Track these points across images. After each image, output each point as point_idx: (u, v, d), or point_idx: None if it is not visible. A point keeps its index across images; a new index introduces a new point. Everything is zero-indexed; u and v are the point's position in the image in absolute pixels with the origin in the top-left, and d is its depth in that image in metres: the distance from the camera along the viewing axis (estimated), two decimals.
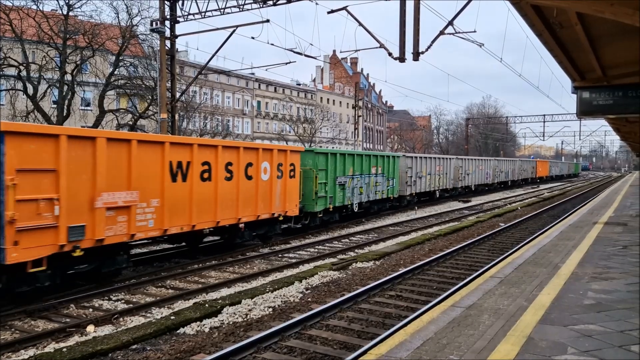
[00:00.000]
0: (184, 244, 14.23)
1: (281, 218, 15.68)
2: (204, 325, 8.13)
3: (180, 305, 9.43)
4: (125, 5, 38.05)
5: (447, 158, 34.23)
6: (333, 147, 55.81)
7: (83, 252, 9.44)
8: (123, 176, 10.25)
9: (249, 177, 14.00)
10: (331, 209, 19.27)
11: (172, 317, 8.25)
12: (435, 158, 31.92)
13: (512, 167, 50.28)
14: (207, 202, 12.46)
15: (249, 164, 13.99)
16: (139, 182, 10.55)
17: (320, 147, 52.32)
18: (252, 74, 62.70)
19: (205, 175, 12.41)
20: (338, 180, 19.55)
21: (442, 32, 16.30)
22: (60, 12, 25.64)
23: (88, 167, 9.57)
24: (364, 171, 21.76)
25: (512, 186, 51.26)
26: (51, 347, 7.29)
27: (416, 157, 28.81)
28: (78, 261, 9.64)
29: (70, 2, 25.13)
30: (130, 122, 29.71)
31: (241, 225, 13.83)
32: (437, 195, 32.31)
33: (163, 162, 11.19)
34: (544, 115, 61.68)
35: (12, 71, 25.23)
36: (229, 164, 13.21)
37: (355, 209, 21.45)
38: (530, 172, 58.19)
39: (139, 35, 28.75)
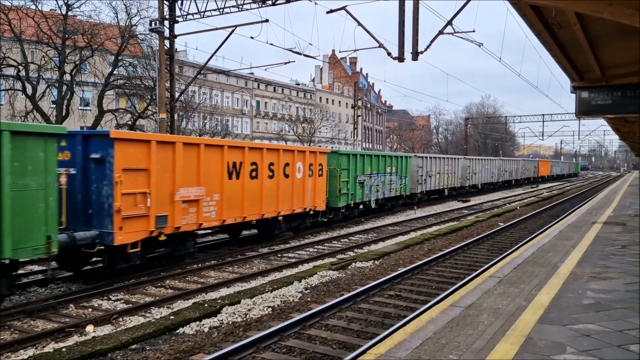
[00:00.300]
0: (226, 235, 16.30)
1: (311, 212, 17.51)
2: (203, 325, 8.13)
3: (179, 305, 9.43)
4: (124, 5, 37.98)
5: (455, 158, 35.73)
6: (332, 147, 55.90)
7: (166, 237, 11.46)
8: (193, 174, 12.19)
9: (287, 176, 15.88)
10: (352, 205, 20.97)
11: (172, 317, 8.25)
12: (444, 158, 33.47)
13: (515, 166, 52.03)
14: (254, 197, 14.44)
15: (286, 164, 15.89)
16: (205, 179, 12.48)
17: (319, 146, 52.34)
18: (251, 73, 62.68)
19: (253, 173, 14.39)
20: (358, 179, 21.23)
21: (441, 32, 16.31)
22: (59, 12, 25.65)
23: (169, 166, 11.50)
24: (380, 170, 23.36)
25: (515, 185, 52.74)
26: (50, 347, 7.29)
27: (426, 157, 30.36)
28: (159, 245, 11.65)
29: (69, 2, 25.14)
30: (130, 122, 29.71)
31: (280, 218, 15.81)
32: (446, 194, 33.58)
33: (222, 163, 13.13)
34: (543, 115, 61.72)
35: (11, 71, 25.23)
36: (271, 164, 15.15)
37: (373, 205, 23.16)
38: (532, 172, 59.84)
39: (138, 35, 28.78)
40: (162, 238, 11.36)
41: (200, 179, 12.32)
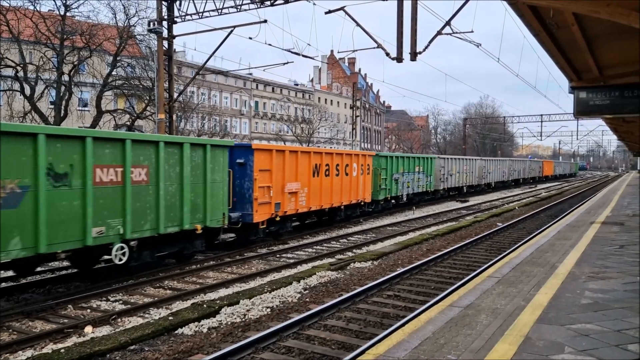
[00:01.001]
0: (297, 222, 19.14)
1: (362, 203, 21.77)
2: (202, 325, 8.13)
3: (178, 305, 9.42)
4: (123, 5, 38.03)
5: (473, 159, 40.62)
6: (330, 147, 55.95)
7: (279, 218, 16.04)
8: (294, 173, 16.68)
9: (347, 174, 20.18)
10: (389, 198, 25.10)
11: (170, 318, 8.24)
12: (463, 159, 37.84)
13: (523, 166, 57.83)
14: (328, 190, 18.79)
15: (347, 165, 20.19)
16: (300, 177, 16.98)
17: (318, 146, 52.33)
18: (250, 74, 62.63)
19: (327, 173, 18.74)
20: (394, 177, 25.33)
21: (439, 32, 16.32)
22: (58, 12, 25.63)
23: (281, 168, 16.02)
24: (410, 169, 27.38)
25: (523, 183, 57.63)
26: (49, 348, 7.28)
27: (448, 158, 34.58)
28: (274, 224, 16.09)
29: (68, 3, 25.11)
30: (128, 123, 29.68)
31: (342, 207, 20.01)
32: (465, 190, 37.80)
33: (309, 165, 17.62)
34: (542, 115, 61.86)
35: (9, 72, 25.18)
36: (337, 165, 19.45)
37: (404, 199, 27.10)
38: (538, 171, 64.81)
39: (137, 36, 28.74)
40: (277, 219, 15.95)
41: (298, 176, 16.88)
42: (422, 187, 29.03)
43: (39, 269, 11.67)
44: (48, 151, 8.85)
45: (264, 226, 15.35)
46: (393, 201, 25.82)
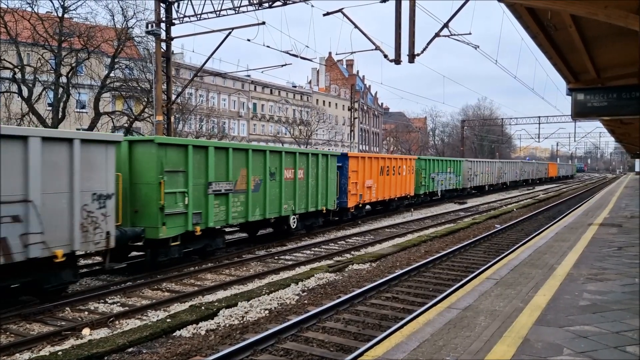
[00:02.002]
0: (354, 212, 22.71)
1: (408, 196, 27.88)
2: (200, 327, 8.10)
3: (176, 307, 9.40)
4: (121, 7, 37.99)
5: (493, 162, 48.08)
6: (329, 149, 55.98)
7: (361, 206, 22.23)
8: (369, 173, 22.53)
9: (399, 174, 26.16)
10: (427, 193, 31.00)
11: (168, 320, 8.22)
12: (485, 162, 44.89)
13: (532, 168, 65.71)
14: (388, 186, 24.78)
15: (400, 167, 26.24)
16: (373, 176, 22.83)
17: (316, 148, 52.38)
18: (248, 76, 62.68)
19: (389, 172, 24.76)
20: (431, 176, 31.08)
21: (437, 34, 16.35)
22: (56, 14, 25.59)
23: (362, 169, 21.78)
24: (443, 170, 33.19)
25: (532, 183, 64.18)
26: (46, 350, 7.25)
27: (473, 161, 41.35)
28: (356, 209, 21.96)
29: (66, 4, 25.10)
30: (126, 125, 29.65)
31: (396, 199, 26.13)
32: (486, 189, 44.10)
33: (378, 167, 23.64)
34: (539, 117, 61.89)
35: (7, 73, 25.15)
36: (394, 167, 25.41)
37: (439, 195, 32.79)
38: (544, 172, 73.00)
39: (135, 38, 28.72)
40: (360, 205, 22.07)
41: (372, 175, 22.72)
42: (452, 185, 34.97)
43: None
44: (269, 160, 15.51)
45: (353, 210, 21.51)
46: (430, 196, 31.96)
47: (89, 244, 9.75)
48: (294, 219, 16.88)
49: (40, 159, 8.72)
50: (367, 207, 24.84)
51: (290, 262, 13.73)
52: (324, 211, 18.79)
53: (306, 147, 51.59)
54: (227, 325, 8.24)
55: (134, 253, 12.65)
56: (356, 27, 17.63)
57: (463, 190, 37.60)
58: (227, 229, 16.11)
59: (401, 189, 26.51)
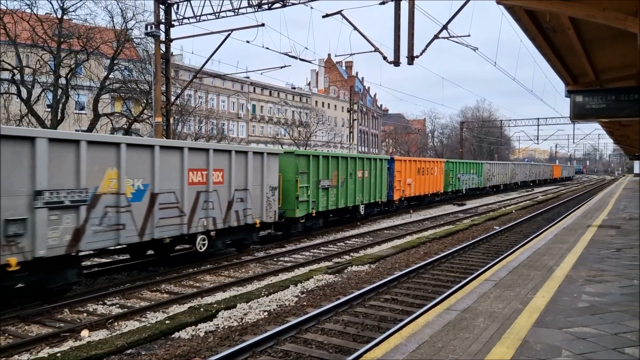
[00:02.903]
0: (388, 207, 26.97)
1: (438, 193, 33.25)
2: (199, 329, 8.10)
3: (175, 309, 9.39)
4: (120, 9, 37.98)
5: (507, 164, 55.27)
6: (328, 151, 56.09)
7: (404, 199, 27.73)
8: (409, 172, 27.55)
9: (432, 174, 31.46)
10: (454, 191, 36.21)
11: (167, 322, 8.22)
12: (500, 164, 51.22)
13: (539, 169, 71.87)
14: (423, 184, 29.90)
15: (432, 168, 31.64)
16: (412, 175, 27.74)
17: (316, 149, 52.41)
18: (247, 77, 62.74)
19: (424, 172, 29.94)
20: (457, 176, 36.22)
21: (436, 36, 16.37)
22: (55, 15, 25.59)
23: (404, 169, 26.87)
24: (467, 171, 38.74)
25: (539, 184, 69.68)
26: (45, 352, 7.24)
27: (492, 163, 47.72)
28: (400, 202, 27.26)
29: (65, 6, 25.10)
30: (125, 126, 29.64)
31: (428, 194, 31.39)
32: (502, 187, 49.84)
33: (417, 168, 28.75)
34: (538, 118, 61.95)
35: (6, 75, 25.14)
36: (428, 168, 30.76)
37: (464, 192, 38.28)
38: (549, 174, 78.68)
39: (134, 39, 28.73)
40: (402, 199, 27.00)
41: (411, 175, 27.95)
42: (475, 184, 40.38)
43: None
44: (349, 164, 21.01)
45: (397, 202, 26.68)
46: (456, 193, 37.27)
47: (268, 218, 15.38)
48: (362, 207, 22.55)
49: (252, 165, 14.56)
50: (403, 202, 28.92)
51: (289, 264, 13.73)
52: (380, 202, 24.30)
53: (305, 149, 51.60)
54: (226, 326, 8.24)
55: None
56: (355, 29, 17.65)
57: (483, 189, 43.15)
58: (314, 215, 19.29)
59: (433, 187, 31.90)
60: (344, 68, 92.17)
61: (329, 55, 73.46)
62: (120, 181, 10.44)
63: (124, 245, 11.58)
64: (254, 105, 68.19)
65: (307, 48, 54.50)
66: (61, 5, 24.97)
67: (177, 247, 14.20)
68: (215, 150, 13.21)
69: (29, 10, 24.60)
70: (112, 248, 12.58)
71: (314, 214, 18.25)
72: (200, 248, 12.85)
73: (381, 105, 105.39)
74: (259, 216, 14.84)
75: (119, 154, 10.41)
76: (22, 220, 8.56)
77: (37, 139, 8.79)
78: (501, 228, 20.44)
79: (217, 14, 19.13)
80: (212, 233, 13.17)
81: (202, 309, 8.82)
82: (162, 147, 11.52)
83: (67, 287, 9.90)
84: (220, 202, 13.35)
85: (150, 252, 13.58)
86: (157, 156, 11.25)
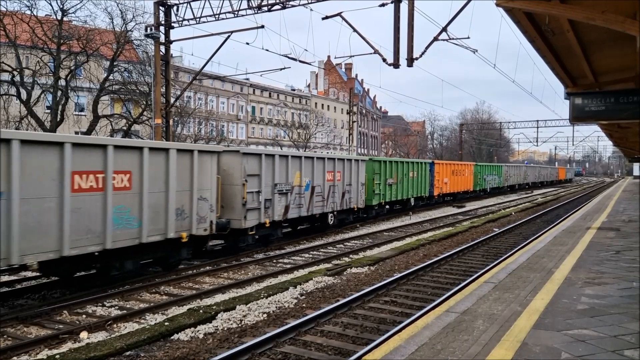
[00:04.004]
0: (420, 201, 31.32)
1: (469, 191, 39.21)
2: (198, 331, 8.09)
3: (174, 311, 9.38)
4: (120, 10, 37.98)
5: (520, 166, 62.10)
6: (327, 152, 56.13)
7: (440, 195, 33.79)
8: (446, 173, 33.66)
9: (463, 174, 37.00)
10: (481, 190, 42.20)
11: (166, 323, 8.21)
12: (516, 166, 59.23)
13: (547, 171, 78.87)
14: (456, 183, 35.59)
15: (464, 169, 37.25)
16: (447, 175, 33.93)
17: (315, 151, 52.45)
18: (247, 79, 62.69)
19: (457, 174, 35.85)
20: (484, 177, 42.45)
21: (436, 38, 16.40)
22: (55, 17, 25.60)
23: (441, 170, 33.00)
24: (491, 173, 44.87)
25: (539, 187, 73.31)
26: (44, 354, 7.23)
27: (509, 166, 55.70)
28: (438, 197, 33.47)
29: (65, 8, 25.12)
30: (125, 128, 29.65)
31: (460, 192, 36.56)
32: (517, 187, 56.49)
33: (451, 169, 34.68)
34: (537, 120, 62.01)
35: (5, 76, 25.14)
36: (460, 170, 36.53)
37: (488, 190, 44.26)
38: (555, 175, 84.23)
39: (134, 41, 28.75)
40: (440, 195, 32.80)
41: (447, 175, 33.45)
42: (496, 184, 46.24)
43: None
44: (405, 167, 27.00)
45: (436, 197, 32.08)
46: (482, 192, 43.57)
47: (360, 204, 22.00)
48: (412, 200, 28.42)
49: (355, 168, 21.22)
50: (441, 197, 34.82)
51: (288, 266, 13.72)
52: (424, 197, 30.05)
53: (305, 150, 51.62)
54: (225, 328, 8.23)
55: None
56: (355, 31, 17.68)
57: (502, 188, 49.30)
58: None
59: (465, 185, 37.88)
60: (343, 70, 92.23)
61: (329, 57, 73.52)
62: (301, 178, 17.28)
63: (297, 217, 17.52)
64: (253, 107, 68.21)
65: (306, 50, 54.77)
66: (61, 6, 25.01)
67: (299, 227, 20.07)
68: (339, 159, 20.17)
69: (28, 12, 24.62)
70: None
71: (383, 203, 24.76)
72: (330, 221, 19.50)
73: (381, 107, 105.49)
74: (355, 203, 21.28)
75: (301, 163, 17.31)
76: (269, 200, 15.56)
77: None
78: (500, 230, 20.45)
79: (216, 16, 19.16)
80: (335, 213, 19.83)
81: (201, 311, 8.81)
82: (317, 158, 18.71)
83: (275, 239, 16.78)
84: (338, 193, 19.88)
85: (286, 230, 18.82)
86: (315, 163, 18.19)
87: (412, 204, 28.66)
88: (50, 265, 9.51)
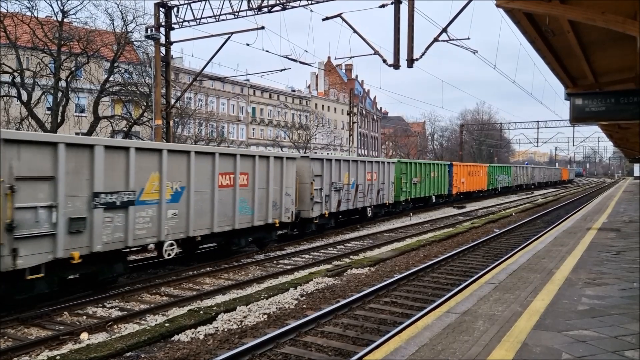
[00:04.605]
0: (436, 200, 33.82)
1: (482, 190, 42.79)
2: (199, 332, 8.09)
3: (174, 312, 9.38)
4: (120, 11, 38.03)
5: (527, 167, 66.57)
6: (328, 153, 56.14)
7: (458, 193, 37.65)
8: (463, 174, 37.48)
9: (478, 175, 41.15)
10: (492, 189, 45.49)
11: (167, 324, 8.21)
12: (523, 167, 63.86)
13: (552, 172, 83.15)
14: (472, 183, 39.76)
15: (479, 171, 41.64)
16: (464, 176, 37.66)
17: (315, 152, 52.45)
18: (247, 80, 62.73)
19: (472, 174, 39.72)
20: (496, 177, 46.00)
21: (436, 39, 16.41)
22: (55, 18, 25.61)
23: (459, 171, 36.79)
24: (501, 173, 48.56)
25: (550, 185, 79.00)
26: (44, 355, 7.24)
27: (517, 167, 59.13)
28: (455, 196, 36.80)
29: (65, 9, 25.13)
30: (125, 129, 29.66)
31: (475, 191, 40.76)
32: (524, 186, 60.59)
33: (467, 170, 38.72)
34: (538, 121, 61.93)
35: (6, 77, 25.15)
36: (475, 170, 40.78)
37: (499, 189, 47.62)
38: (559, 176, 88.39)
39: (134, 42, 28.74)
40: (458, 193, 36.37)
41: (464, 176, 37.32)
42: (506, 183, 49.88)
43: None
44: (427, 168, 30.50)
45: (454, 195, 35.08)
46: (494, 191, 47.32)
47: (390, 200, 25.13)
48: (433, 198, 31.83)
49: (386, 169, 24.70)
50: (458, 195, 37.87)
51: (289, 267, 13.72)
52: (443, 195, 33.23)
53: (305, 151, 51.66)
54: (226, 329, 8.23)
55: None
56: (355, 32, 17.69)
57: (510, 187, 52.60)
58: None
59: (479, 185, 41.43)
60: (343, 71, 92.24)
61: (329, 58, 73.63)
62: (349, 178, 20.53)
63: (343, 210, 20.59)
64: (253, 108, 68.22)
65: (307, 51, 54.84)
66: (61, 8, 25.00)
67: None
68: (375, 162, 23.62)
69: (29, 13, 24.63)
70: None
71: (409, 200, 27.73)
72: (369, 214, 23.05)
73: (381, 108, 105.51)
74: (387, 199, 24.69)
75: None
76: (328, 195, 18.97)
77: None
78: (501, 231, 20.44)
79: (217, 17, 19.17)
80: (372, 207, 23.21)
81: (201, 312, 8.81)
82: (360, 161, 22.32)
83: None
84: (375, 190, 23.28)
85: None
86: (359, 166, 21.65)
87: (434, 200, 32.54)
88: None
